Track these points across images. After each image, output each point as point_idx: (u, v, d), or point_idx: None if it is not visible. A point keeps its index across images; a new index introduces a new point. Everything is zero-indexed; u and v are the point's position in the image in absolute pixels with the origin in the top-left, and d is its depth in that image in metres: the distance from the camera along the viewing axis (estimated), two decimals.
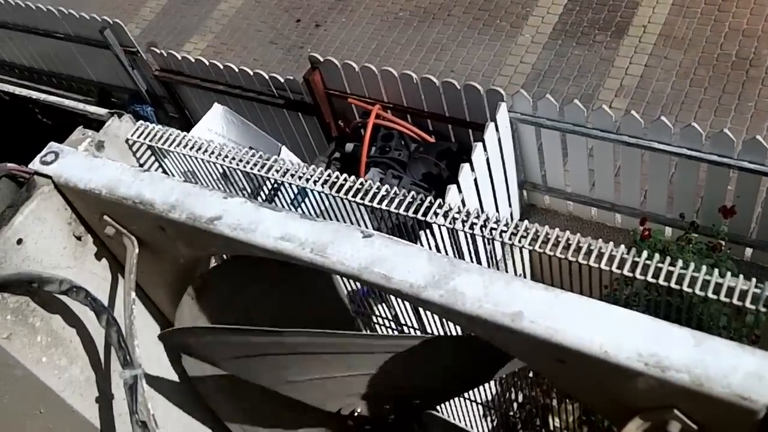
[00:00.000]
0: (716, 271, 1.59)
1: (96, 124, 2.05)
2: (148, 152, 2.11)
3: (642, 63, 7.52)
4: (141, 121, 2.04)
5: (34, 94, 2.16)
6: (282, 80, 6.12)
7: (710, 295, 1.55)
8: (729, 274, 1.58)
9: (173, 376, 2.36)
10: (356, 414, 2.07)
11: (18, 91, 2.20)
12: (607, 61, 7.65)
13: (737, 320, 1.81)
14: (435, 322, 3.22)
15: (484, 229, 1.82)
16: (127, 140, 2.02)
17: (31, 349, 1.92)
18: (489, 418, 4.53)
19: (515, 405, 4.64)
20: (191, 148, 2.05)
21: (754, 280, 1.49)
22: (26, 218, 1.85)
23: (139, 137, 2.00)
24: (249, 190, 2.72)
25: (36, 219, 1.87)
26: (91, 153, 1.94)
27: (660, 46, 7.59)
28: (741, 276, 1.55)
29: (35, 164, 1.90)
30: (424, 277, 1.47)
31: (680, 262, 1.67)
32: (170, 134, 2.07)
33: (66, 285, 1.83)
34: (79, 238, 1.99)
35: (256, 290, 2.08)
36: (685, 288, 1.57)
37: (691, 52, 7.44)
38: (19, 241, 1.85)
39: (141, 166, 2.06)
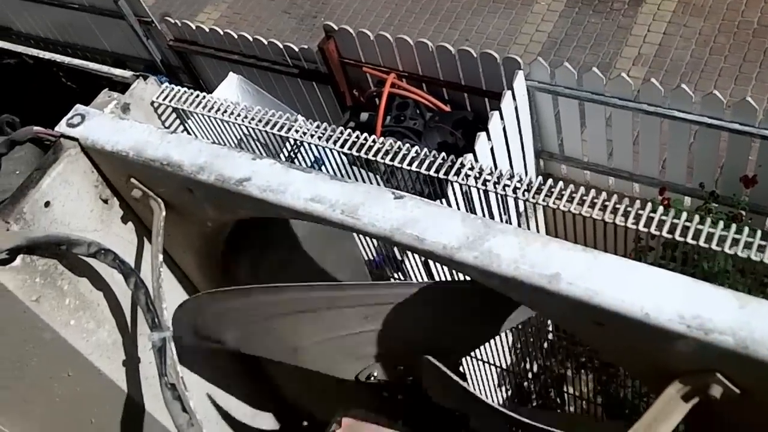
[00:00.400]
0: (734, 226, 1.57)
1: (121, 87, 2.03)
2: (173, 115, 2.09)
3: (661, 31, 7.42)
4: (166, 83, 2.01)
5: (59, 57, 2.15)
6: (296, 49, 6.07)
7: (726, 250, 1.53)
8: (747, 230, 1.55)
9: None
10: (373, 378, 2.06)
11: (42, 54, 2.17)
12: (625, 29, 7.55)
13: (757, 291, 1.79)
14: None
15: (507, 188, 1.80)
16: (152, 102, 2.00)
17: (60, 311, 1.92)
18: (504, 387, 4.55)
19: (530, 374, 4.66)
20: (216, 110, 2.03)
21: None
22: (54, 181, 1.84)
23: (164, 99, 1.98)
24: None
25: (63, 181, 1.86)
26: (117, 115, 1.92)
27: (679, 14, 7.49)
28: (759, 232, 1.53)
29: (62, 127, 1.89)
30: (458, 239, 1.45)
31: (703, 219, 1.65)
32: (195, 96, 2.05)
33: (94, 247, 1.82)
34: (105, 201, 1.98)
35: (274, 261, 2.06)
36: (703, 243, 1.54)
37: (711, 20, 7.34)
38: (47, 204, 1.84)
39: (167, 128, 2.05)
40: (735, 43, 7.08)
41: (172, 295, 2.12)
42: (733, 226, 1.57)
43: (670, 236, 1.60)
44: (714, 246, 1.54)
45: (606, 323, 1.33)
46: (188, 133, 2.11)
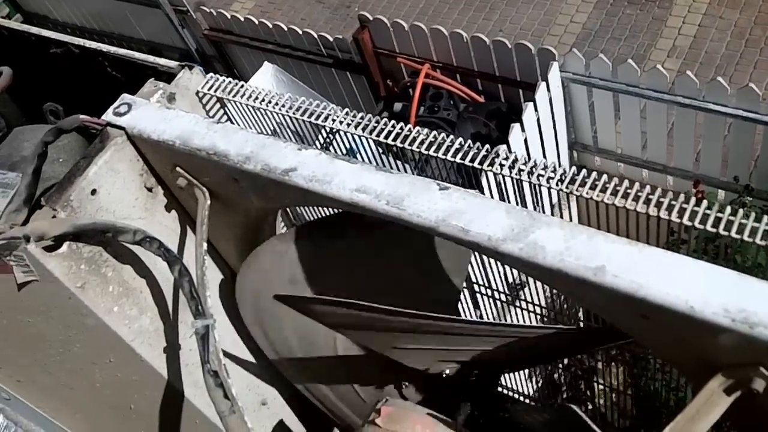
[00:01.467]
0: None
1: (166, 76, 2.06)
2: (217, 105, 2.12)
3: (695, 23, 7.35)
4: (211, 73, 2.04)
5: (104, 47, 2.18)
6: (331, 39, 6.09)
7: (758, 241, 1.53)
8: None
9: (237, 331, 2.40)
10: (444, 375, 2.07)
11: (88, 44, 2.21)
12: (660, 21, 7.49)
13: None
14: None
15: (541, 177, 1.82)
16: (197, 92, 2.03)
17: (104, 298, 1.95)
18: (534, 379, 4.55)
19: (560, 367, 4.65)
20: (254, 99, 2.06)
21: None
22: (100, 169, 1.87)
23: (209, 89, 2.01)
24: None
25: (109, 170, 1.89)
26: (163, 105, 1.95)
27: (714, 6, 7.41)
28: None
29: (108, 116, 1.92)
30: (503, 230, 1.46)
31: (741, 212, 1.64)
32: (238, 86, 2.08)
33: (140, 235, 1.85)
34: (150, 190, 2.01)
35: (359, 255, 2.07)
36: (737, 235, 1.54)
37: (747, 12, 7.25)
38: (93, 192, 1.87)
39: (210, 118, 2.07)
40: None
41: (212, 284, 2.15)
42: (766, 218, 1.57)
43: (702, 227, 1.61)
44: (746, 237, 1.55)
45: (651, 316, 1.34)
46: (230, 120, 2.13)
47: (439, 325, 1.84)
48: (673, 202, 1.65)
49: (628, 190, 1.67)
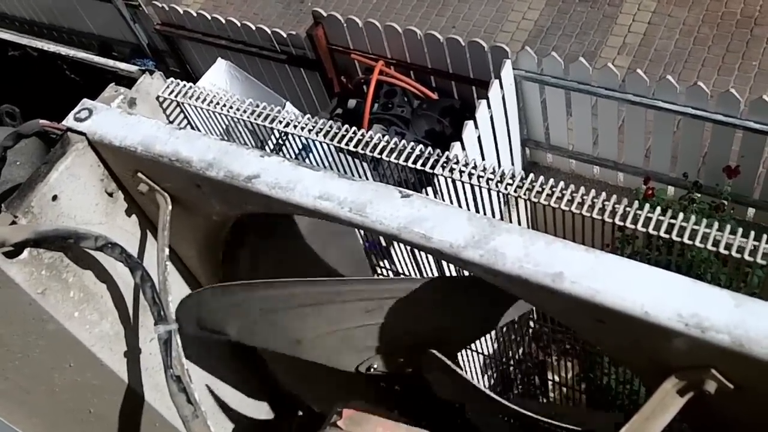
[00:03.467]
0: (715, 224, 1.63)
1: (126, 81, 2.05)
2: (177, 109, 2.12)
3: (645, 21, 7.49)
4: (171, 78, 2.04)
5: (63, 50, 2.16)
6: (285, 35, 6.08)
7: (709, 247, 1.59)
8: (728, 228, 1.61)
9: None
10: (373, 370, 2.10)
11: (47, 47, 2.19)
12: (610, 18, 7.61)
13: (738, 280, 1.86)
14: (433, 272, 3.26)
15: (490, 182, 1.86)
16: (157, 97, 2.02)
17: (64, 304, 1.95)
18: (488, 374, 4.62)
19: (513, 361, 4.73)
20: (209, 102, 2.07)
21: (752, 233, 1.53)
22: (61, 175, 1.86)
23: (169, 94, 2.01)
24: (252, 146, 2.74)
25: (70, 175, 1.88)
26: (124, 110, 1.94)
27: (664, 4, 7.56)
28: (740, 230, 1.59)
29: (69, 121, 1.90)
30: (464, 237, 1.49)
31: (681, 216, 1.71)
32: (202, 92, 2.08)
33: (101, 241, 1.84)
34: (110, 195, 2.00)
35: (276, 255, 2.09)
36: (686, 240, 1.60)
37: (695, 10, 7.41)
38: (54, 198, 1.86)
39: (170, 123, 2.07)
40: (718, 34, 7.17)
41: (174, 288, 2.15)
42: (716, 224, 1.63)
43: (655, 232, 1.66)
44: (698, 243, 1.60)
45: (607, 321, 1.38)
46: (189, 122, 2.13)
47: (314, 291, 1.85)
48: (617, 206, 1.69)
49: (574, 194, 1.71)
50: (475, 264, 1.47)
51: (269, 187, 1.66)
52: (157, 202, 1.92)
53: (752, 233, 1.55)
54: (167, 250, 1.85)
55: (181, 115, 2.18)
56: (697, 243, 1.61)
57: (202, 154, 1.75)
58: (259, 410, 2.65)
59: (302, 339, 1.96)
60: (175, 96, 2.00)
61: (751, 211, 5.55)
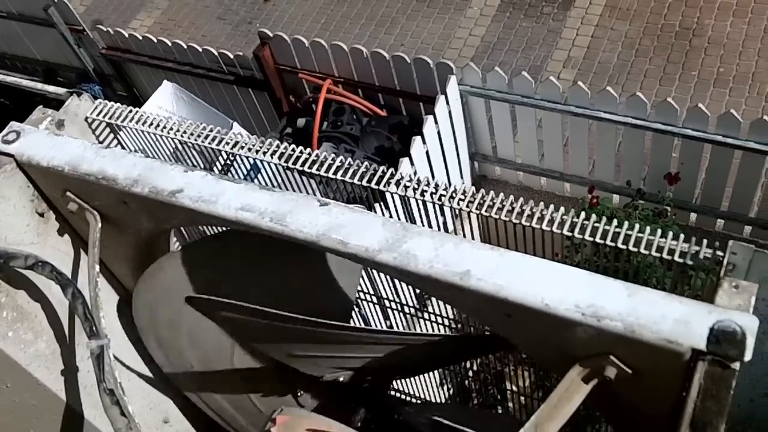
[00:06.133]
0: (659, 231, 1.72)
1: (55, 103, 2.08)
2: (107, 130, 2.16)
3: (589, 34, 7.66)
4: (100, 100, 2.08)
5: None
6: (232, 56, 6.11)
7: (653, 253, 1.68)
8: (671, 235, 1.70)
9: (137, 348, 2.42)
10: (338, 381, 2.15)
11: None
12: (555, 33, 7.78)
13: (682, 283, 1.95)
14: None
15: (434, 195, 1.93)
16: (86, 118, 2.06)
17: None
18: (446, 386, 4.66)
19: (471, 372, 4.78)
20: (149, 125, 2.11)
21: (693, 239, 1.62)
22: None
23: (98, 115, 2.04)
24: (201, 167, 2.77)
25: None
26: (52, 132, 1.98)
27: (606, 17, 7.74)
28: (682, 236, 1.68)
29: None
30: (379, 242, 1.56)
31: (626, 225, 1.79)
32: (128, 111, 2.12)
33: (31, 260, 1.87)
34: (41, 215, 2.03)
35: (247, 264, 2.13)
36: (630, 247, 1.69)
37: (636, 23, 7.60)
38: None
39: (100, 143, 2.11)
40: (659, 45, 7.36)
41: (108, 304, 2.18)
42: (659, 231, 1.72)
43: (590, 239, 1.74)
44: (642, 250, 1.69)
45: (513, 314, 1.46)
46: (122, 146, 2.17)
47: (333, 333, 1.92)
48: (564, 217, 1.77)
49: (523, 207, 1.79)
50: (389, 266, 1.53)
51: (192, 200, 1.71)
52: (87, 220, 1.95)
53: (693, 239, 1.64)
54: (98, 267, 1.89)
55: (115, 139, 2.22)
56: (642, 250, 1.69)
57: (128, 172, 1.79)
58: (204, 427, 2.67)
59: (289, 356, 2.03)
60: (104, 117, 2.04)
61: (693, 215, 5.70)
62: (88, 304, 1.88)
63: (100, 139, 2.12)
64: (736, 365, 1.29)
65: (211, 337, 2.07)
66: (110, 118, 2.05)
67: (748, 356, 1.28)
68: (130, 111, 2.08)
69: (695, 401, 1.29)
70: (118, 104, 2.08)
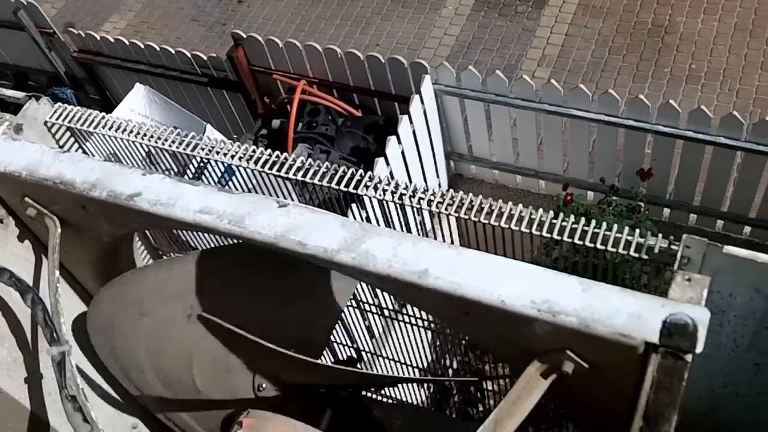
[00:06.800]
0: (626, 228, 1.72)
1: (13, 107, 2.06)
2: (68, 134, 2.14)
3: (563, 32, 7.70)
4: (59, 103, 2.06)
5: None
6: (205, 58, 6.08)
7: (621, 251, 1.69)
8: (638, 232, 1.71)
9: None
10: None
11: None
12: (529, 32, 7.80)
13: (657, 278, 1.96)
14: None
15: (412, 198, 1.93)
16: (45, 122, 2.04)
17: None
18: (426, 385, 4.66)
19: (450, 371, 4.78)
20: (113, 129, 2.09)
21: (659, 235, 1.63)
22: None
23: (57, 119, 2.03)
24: (174, 171, 2.75)
25: None
26: (10, 136, 1.96)
27: (579, 15, 7.78)
28: (649, 233, 1.69)
29: None
30: (338, 242, 1.55)
31: (594, 223, 1.80)
32: (90, 115, 2.10)
33: None
34: (0, 221, 2.01)
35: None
36: (599, 245, 1.70)
37: (609, 21, 7.65)
38: None
39: (61, 148, 2.09)
40: (632, 43, 7.41)
41: (72, 310, 2.16)
42: (626, 230, 1.73)
43: (559, 238, 1.75)
44: (609, 248, 1.70)
45: (471, 312, 1.46)
46: (84, 151, 2.15)
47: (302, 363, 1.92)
48: (535, 216, 1.77)
49: (502, 208, 1.80)
50: (348, 266, 1.53)
51: (151, 204, 1.70)
52: (47, 225, 1.93)
53: (665, 237, 1.65)
54: (57, 273, 1.87)
55: (76, 143, 2.20)
56: (611, 247, 1.70)
57: (86, 176, 1.78)
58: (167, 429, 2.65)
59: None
60: (63, 120, 2.02)
61: (666, 211, 5.73)
62: (49, 311, 1.86)
63: (61, 143, 2.10)
64: (689, 357, 1.30)
65: (169, 347, 2.06)
66: (70, 122, 2.03)
67: (699, 348, 1.29)
68: (91, 115, 2.06)
69: (648, 393, 1.30)
70: (79, 108, 2.06)
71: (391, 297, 3.52)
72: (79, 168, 1.79)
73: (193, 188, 1.71)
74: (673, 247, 1.61)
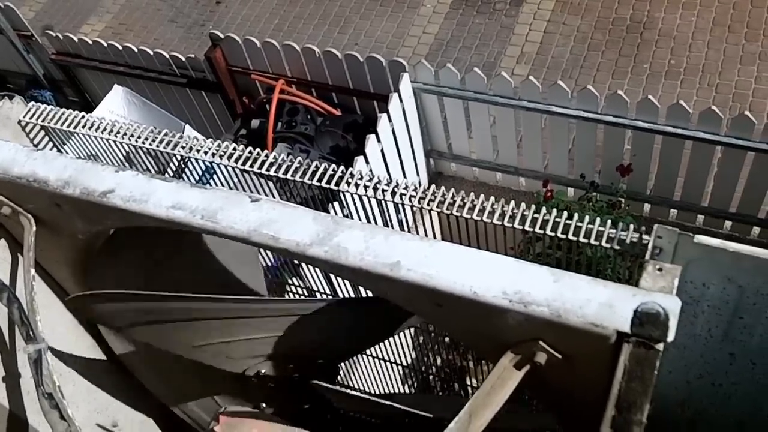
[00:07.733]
0: (598, 220, 1.74)
1: None
2: (42, 134, 2.13)
3: (541, 29, 7.73)
4: (33, 102, 2.05)
5: None
6: (183, 59, 6.06)
7: (593, 241, 1.70)
8: (608, 223, 1.73)
9: (81, 352, 2.40)
10: (261, 374, 2.14)
11: None
12: (508, 29, 7.83)
13: (637, 272, 1.98)
14: (347, 288, 3.33)
15: (394, 195, 1.94)
16: (19, 122, 2.03)
17: None
18: (409, 383, 4.68)
19: (434, 368, 4.80)
20: (87, 127, 2.09)
21: (632, 227, 1.64)
22: None
23: (31, 118, 2.02)
24: (154, 171, 2.75)
25: None
26: None
27: (558, 12, 7.81)
28: (631, 227, 1.70)
29: None
30: (310, 236, 1.56)
31: (571, 215, 1.82)
32: (65, 114, 2.09)
33: None
34: None
35: (160, 255, 2.12)
36: (571, 236, 1.71)
37: (587, 17, 7.69)
38: None
39: (35, 146, 2.08)
40: (611, 39, 7.45)
41: (49, 309, 2.15)
42: (608, 223, 1.74)
43: (541, 232, 1.76)
44: (582, 239, 1.71)
45: (444, 304, 1.47)
46: (59, 150, 2.14)
47: (210, 307, 1.91)
48: (515, 211, 1.79)
49: (483, 203, 1.81)
50: (320, 260, 1.54)
51: (124, 200, 1.70)
52: (21, 224, 1.93)
53: (636, 228, 1.67)
54: (33, 271, 1.86)
55: (50, 142, 2.20)
56: (582, 238, 1.71)
57: (59, 174, 1.77)
58: (149, 428, 2.65)
59: (196, 345, 2.01)
60: (37, 119, 2.02)
61: (646, 206, 5.77)
62: (25, 309, 1.86)
63: (35, 142, 2.09)
64: (660, 346, 1.31)
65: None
66: (44, 121, 2.03)
67: (670, 337, 1.30)
68: (64, 113, 2.06)
69: (621, 382, 1.31)
70: (51, 107, 2.06)
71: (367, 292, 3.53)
72: (53, 166, 1.79)
73: (165, 184, 1.71)
74: (645, 237, 1.63)
